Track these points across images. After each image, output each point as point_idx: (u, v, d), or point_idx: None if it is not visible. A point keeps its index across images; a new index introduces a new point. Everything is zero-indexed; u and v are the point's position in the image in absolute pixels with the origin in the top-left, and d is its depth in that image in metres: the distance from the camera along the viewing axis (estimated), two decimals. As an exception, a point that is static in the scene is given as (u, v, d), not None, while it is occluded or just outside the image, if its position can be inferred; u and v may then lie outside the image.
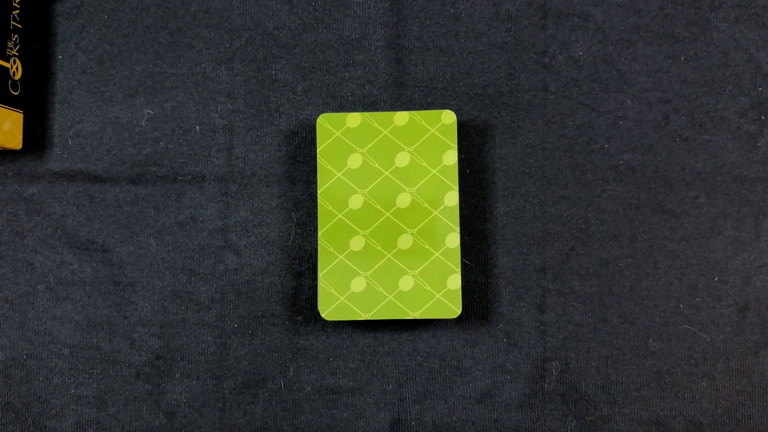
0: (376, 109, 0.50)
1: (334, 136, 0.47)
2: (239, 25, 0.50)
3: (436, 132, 0.47)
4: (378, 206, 0.47)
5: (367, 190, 0.47)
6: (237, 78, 0.50)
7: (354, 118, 0.47)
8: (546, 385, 0.49)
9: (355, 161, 0.47)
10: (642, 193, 0.49)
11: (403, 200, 0.47)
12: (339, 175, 0.47)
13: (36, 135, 0.50)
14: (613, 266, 0.49)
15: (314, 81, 0.50)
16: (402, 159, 0.47)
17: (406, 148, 0.47)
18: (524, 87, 0.50)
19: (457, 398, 0.49)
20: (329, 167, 0.47)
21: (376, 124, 0.47)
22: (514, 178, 0.50)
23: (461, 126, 0.49)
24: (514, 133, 0.50)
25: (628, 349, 0.49)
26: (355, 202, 0.47)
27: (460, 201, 0.49)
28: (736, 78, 0.50)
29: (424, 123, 0.47)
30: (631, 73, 0.50)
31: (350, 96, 0.50)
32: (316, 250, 0.48)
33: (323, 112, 0.49)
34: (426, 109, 0.49)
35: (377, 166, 0.47)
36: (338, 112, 0.50)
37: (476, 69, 0.50)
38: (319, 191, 0.47)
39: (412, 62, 0.50)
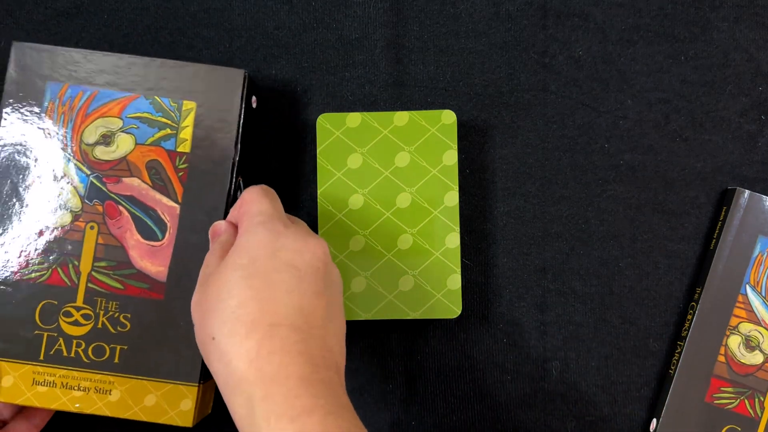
0: (376, 109, 0.50)
1: (334, 136, 0.47)
2: (239, 25, 0.50)
3: (436, 132, 0.47)
4: (378, 206, 0.47)
5: (367, 190, 0.47)
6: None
7: (354, 118, 0.47)
8: (546, 385, 0.49)
9: (355, 161, 0.47)
10: (642, 193, 0.49)
11: (403, 200, 0.47)
12: (339, 175, 0.47)
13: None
14: (613, 266, 0.49)
15: (314, 81, 0.50)
16: (402, 159, 0.47)
17: (406, 148, 0.47)
18: (524, 87, 0.50)
19: (457, 398, 0.49)
20: (329, 167, 0.47)
21: (376, 124, 0.47)
22: (514, 178, 0.50)
23: (461, 126, 0.49)
24: (514, 133, 0.50)
25: (629, 349, 0.49)
26: (355, 202, 0.47)
27: (460, 201, 0.49)
28: (736, 78, 0.50)
29: (424, 123, 0.47)
30: (631, 72, 0.50)
31: (350, 96, 0.50)
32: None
33: (323, 112, 0.48)
34: (426, 108, 0.49)
35: (377, 166, 0.47)
36: (338, 112, 0.50)
37: (476, 69, 0.50)
38: (319, 191, 0.47)
39: (412, 62, 0.50)
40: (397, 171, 0.47)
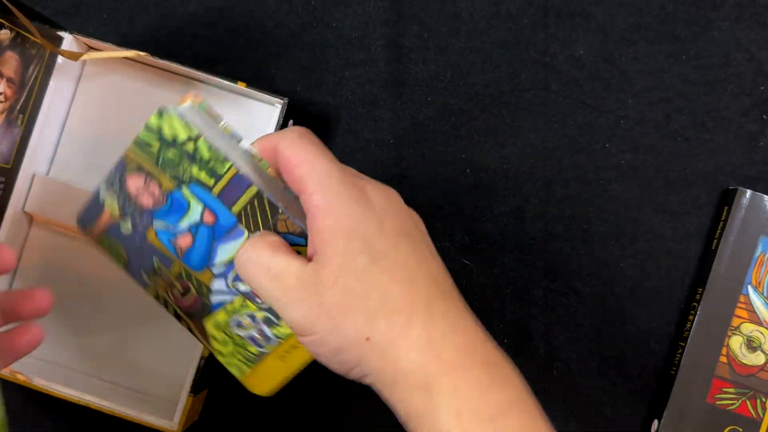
0: (377, 109, 0.50)
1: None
2: (238, 24, 0.50)
3: None
4: None
5: None
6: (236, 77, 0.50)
7: None
8: (547, 386, 0.49)
9: None
10: (643, 192, 0.49)
11: None
12: None
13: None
14: (614, 266, 0.49)
15: (314, 81, 0.50)
16: None
17: None
18: (525, 86, 0.50)
19: (458, 399, 0.49)
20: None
21: None
22: (515, 178, 0.49)
23: (463, 125, 0.49)
24: (514, 133, 0.50)
25: (630, 350, 0.49)
26: None
27: (463, 201, 0.49)
28: (737, 77, 0.50)
29: None
30: (633, 72, 0.50)
31: (350, 95, 0.50)
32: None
33: (323, 111, 0.48)
34: (426, 108, 0.49)
35: None
36: (338, 111, 0.49)
37: (477, 68, 0.50)
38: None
39: (413, 61, 0.50)
40: None
